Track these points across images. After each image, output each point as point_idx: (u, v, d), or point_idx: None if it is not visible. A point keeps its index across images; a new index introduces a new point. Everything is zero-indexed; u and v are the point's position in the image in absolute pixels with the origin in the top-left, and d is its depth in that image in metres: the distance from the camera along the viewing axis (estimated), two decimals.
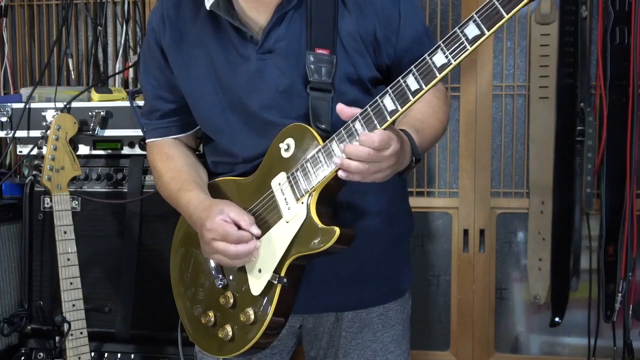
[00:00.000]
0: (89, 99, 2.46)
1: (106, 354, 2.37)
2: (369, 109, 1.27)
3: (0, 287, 2.40)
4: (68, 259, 2.07)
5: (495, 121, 2.70)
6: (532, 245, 2.66)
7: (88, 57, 2.97)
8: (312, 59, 1.41)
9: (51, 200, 2.09)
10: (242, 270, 1.46)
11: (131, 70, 2.87)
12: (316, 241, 1.34)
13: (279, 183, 1.41)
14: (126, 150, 2.38)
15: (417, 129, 1.38)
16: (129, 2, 2.88)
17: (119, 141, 2.38)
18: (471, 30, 1.17)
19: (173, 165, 1.59)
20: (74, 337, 2.06)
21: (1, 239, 2.41)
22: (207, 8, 1.44)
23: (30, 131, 2.40)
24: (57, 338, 2.10)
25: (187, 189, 1.52)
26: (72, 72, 2.98)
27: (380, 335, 1.59)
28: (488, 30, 1.16)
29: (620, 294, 2.54)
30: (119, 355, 2.37)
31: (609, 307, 2.57)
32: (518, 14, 2.66)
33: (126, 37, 2.89)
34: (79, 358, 2.07)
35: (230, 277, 1.49)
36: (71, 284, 2.06)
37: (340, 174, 1.27)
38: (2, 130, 2.42)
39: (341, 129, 1.30)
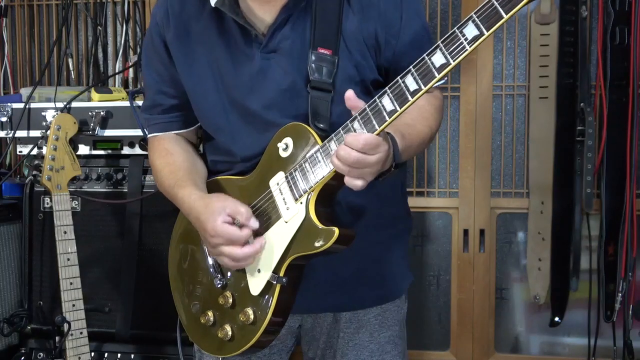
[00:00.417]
0: (89, 99, 2.46)
1: (106, 354, 2.37)
2: (368, 109, 1.26)
3: (0, 287, 2.40)
4: (68, 259, 2.07)
5: (495, 121, 2.70)
6: (532, 245, 2.66)
7: (88, 57, 2.97)
8: (313, 58, 1.41)
9: (51, 200, 2.09)
10: (241, 270, 1.45)
11: (131, 70, 2.87)
12: (315, 241, 1.34)
13: (277, 183, 1.41)
14: (126, 150, 2.38)
15: (404, 134, 1.37)
16: (129, 2, 2.88)
17: (119, 141, 2.38)
18: (470, 31, 1.17)
19: (172, 161, 1.58)
20: (74, 337, 2.06)
21: (1, 239, 2.41)
22: (212, 5, 1.44)
23: (30, 131, 2.40)
24: (57, 338, 2.10)
25: (182, 185, 1.52)
26: (72, 72, 2.98)
27: (377, 336, 1.59)
28: (487, 31, 1.16)
29: (620, 294, 2.54)
30: (119, 355, 2.37)
31: (609, 307, 2.57)
32: (518, 14, 2.65)
33: (126, 37, 2.90)
34: (79, 358, 2.08)
35: (229, 277, 1.49)
36: (71, 284, 2.06)
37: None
38: (2, 130, 2.42)
39: (340, 128, 1.30)
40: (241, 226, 1.39)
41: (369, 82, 1.47)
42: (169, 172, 1.57)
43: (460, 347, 2.74)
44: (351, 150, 1.23)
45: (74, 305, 2.06)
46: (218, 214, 1.40)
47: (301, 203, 1.36)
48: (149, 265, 2.33)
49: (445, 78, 1.25)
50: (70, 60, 2.97)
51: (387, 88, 1.25)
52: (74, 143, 2.29)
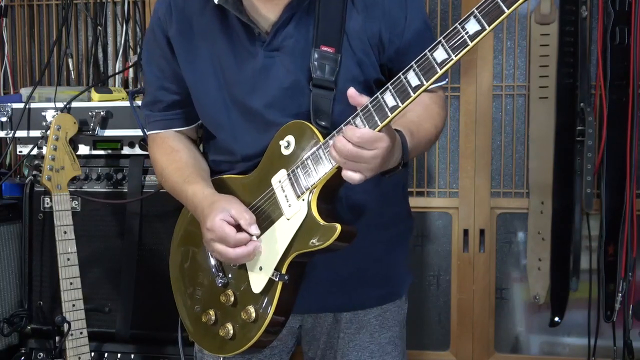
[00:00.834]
0: (89, 99, 2.46)
1: (106, 354, 2.37)
2: (370, 105, 1.26)
3: (0, 287, 2.40)
4: (68, 259, 2.07)
5: (495, 121, 2.70)
6: (531, 245, 2.66)
7: (88, 57, 2.97)
8: (316, 55, 1.41)
9: (51, 200, 2.09)
10: (243, 268, 1.45)
11: (131, 70, 2.87)
12: (317, 238, 1.34)
13: (279, 180, 1.41)
14: (126, 150, 2.38)
15: (412, 132, 1.37)
16: (129, 2, 2.88)
17: (119, 141, 2.38)
18: (472, 26, 1.17)
19: (178, 158, 1.58)
20: (74, 337, 2.06)
21: (1, 239, 2.41)
22: (215, 2, 1.43)
23: (30, 131, 2.40)
24: (57, 338, 2.10)
25: (192, 181, 1.51)
26: (72, 72, 2.98)
27: (378, 337, 1.59)
28: (489, 26, 1.16)
29: (620, 294, 2.54)
30: (119, 355, 2.37)
31: (609, 307, 2.57)
32: (518, 13, 2.67)
33: (126, 37, 2.90)
34: (79, 358, 2.07)
35: (231, 275, 1.48)
36: (71, 284, 2.06)
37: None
38: (2, 130, 2.42)
39: (342, 125, 1.30)
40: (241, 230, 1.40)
41: (372, 81, 1.46)
42: (176, 169, 1.56)
43: (460, 347, 2.74)
44: (347, 143, 1.23)
45: (74, 305, 2.06)
46: (220, 212, 1.40)
47: (303, 200, 1.36)
48: (149, 265, 2.33)
49: (447, 76, 1.24)
50: (70, 60, 2.97)
51: (389, 84, 1.25)
52: (74, 143, 2.28)
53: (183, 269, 1.61)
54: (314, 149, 1.35)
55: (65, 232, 2.07)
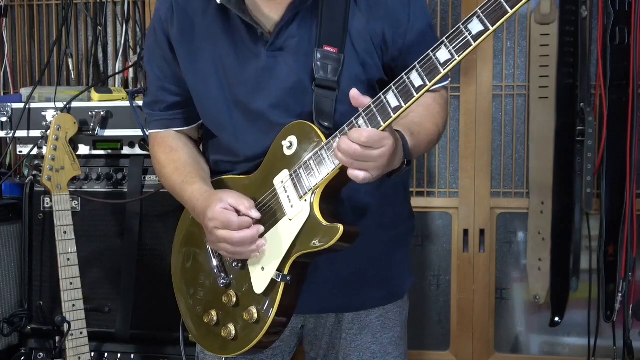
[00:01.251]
0: (89, 99, 2.45)
1: (106, 354, 2.37)
2: (372, 106, 1.26)
3: (0, 287, 2.40)
4: (68, 259, 2.06)
5: (495, 121, 2.70)
6: (532, 245, 2.66)
7: (88, 57, 2.97)
8: (319, 55, 1.41)
9: (51, 200, 2.09)
10: (245, 269, 1.45)
11: (131, 70, 2.87)
12: (320, 239, 1.34)
13: (282, 181, 1.40)
14: (126, 150, 2.38)
15: (412, 132, 1.37)
16: (129, 2, 2.88)
17: (119, 141, 2.38)
18: (475, 26, 1.17)
19: (177, 157, 1.58)
20: (74, 337, 2.06)
21: (1, 239, 2.41)
22: (218, 2, 1.43)
23: (30, 131, 2.40)
24: (57, 338, 2.10)
25: (191, 181, 1.52)
26: (72, 72, 2.98)
27: (380, 337, 1.59)
28: (492, 26, 1.16)
29: (620, 294, 2.54)
30: (119, 355, 2.37)
31: (609, 307, 2.57)
32: (518, 13, 2.66)
33: (126, 37, 2.89)
34: (79, 358, 2.07)
35: (233, 276, 1.48)
36: (71, 284, 2.06)
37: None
38: (2, 130, 2.42)
39: (344, 125, 1.30)
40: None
41: (375, 81, 1.46)
42: (175, 169, 1.56)
43: (460, 347, 2.74)
44: (352, 144, 1.23)
45: (74, 305, 2.06)
46: (219, 202, 1.40)
47: (305, 201, 1.36)
48: (149, 265, 2.33)
49: (450, 76, 1.24)
50: (70, 60, 2.97)
51: (391, 84, 1.25)
52: (74, 143, 2.28)
53: (185, 270, 1.61)
54: (317, 149, 1.35)
55: (65, 232, 2.07)
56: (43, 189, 2.34)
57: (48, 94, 2.42)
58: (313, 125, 1.38)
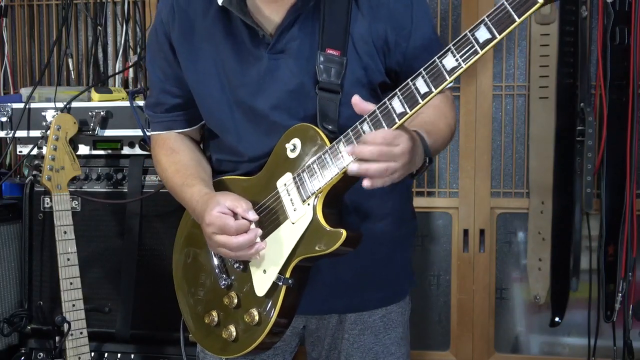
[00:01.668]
0: (89, 99, 2.46)
1: (106, 354, 2.37)
2: (377, 111, 1.26)
3: (0, 287, 2.40)
4: (68, 259, 2.07)
5: (495, 121, 2.70)
6: (532, 245, 2.66)
7: (88, 57, 2.97)
8: (322, 59, 1.40)
9: (51, 200, 2.09)
10: (247, 271, 1.45)
11: (131, 70, 2.87)
12: (322, 243, 1.33)
13: (285, 184, 1.40)
14: (126, 150, 2.38)
15: (428, 131, 1.37)
16: (129, 2, 2.88)
17: (119, 141, 2.38)
18: (482, 34, 1.16)
19: (178, 159, 1.58)
20: (74, 337, 2.06)
21: (1, 239, 2.41)
22: (219, 4, 1.43)
23: (30, 131, 2.40)
24: (57, 338, 2.10)
25: (191, 184, 1.51)
26: (72, 72, 2.98)
27: (382, 338, 1.59)
28: (499, 34, 1.15)
29: (620, 294, 2.54)
30: (119, 355, 2.37)
31: (609, 307, 2.57)
32: None
33: (126, 37, 2.89)
34: (79, 358, 2.07)
35: (234, 277, 1.48)
36: (71, 284, 2.06)
37: (365, 183, 1.24)
38: (2, 130, 2.42)
39: (349, 130, 1.29)
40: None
41: (377, 84, 1.46)
42: (175, 171, 1.56)
43: (460, 347, 2.74)
44: (372, 146, 1.22)
45: (74, 305, 2.06)
46: (216, 205, 1.39)
47: (309, 205, 1.36)
48: (149, 265, 2.33)
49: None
50: (70, 60, 2.97)
51: (397, 90, 1.25)
52: (74, 143, 2.28)
53: (186, 270, 1.60)
54: (320, 153, 1.35)
55: (65, 232, 2.07)
56: (43, 189, 2.34)
57: (48, 94, 2.42)
58: (317, 129, 1.38)
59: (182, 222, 1.64)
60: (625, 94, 2.50)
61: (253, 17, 1.44)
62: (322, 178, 1.33)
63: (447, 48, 1.20)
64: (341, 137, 1.31)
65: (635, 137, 2.49)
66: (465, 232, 2.71)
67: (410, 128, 1.33)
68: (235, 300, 1.46)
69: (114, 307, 2.33)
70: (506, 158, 2.72)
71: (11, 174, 2.69)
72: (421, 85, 1.22)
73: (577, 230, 2.60)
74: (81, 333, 2.07)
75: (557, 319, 2.65)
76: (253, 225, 1.40)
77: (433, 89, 1.21)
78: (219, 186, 1.54)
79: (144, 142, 2.34)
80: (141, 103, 2.29)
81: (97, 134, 2.34)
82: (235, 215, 1.39)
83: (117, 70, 2.90)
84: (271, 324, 1.40)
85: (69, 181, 2.12)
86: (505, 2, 1.15)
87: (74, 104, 2.38)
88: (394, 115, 1.24)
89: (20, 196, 2.45)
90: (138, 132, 2.32)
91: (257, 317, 1.42)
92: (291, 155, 1.40)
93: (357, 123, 1.28)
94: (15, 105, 2.42)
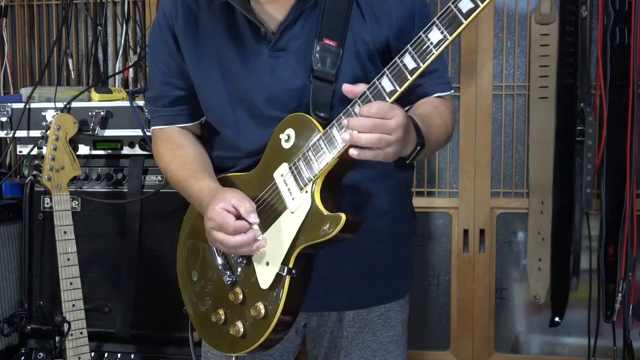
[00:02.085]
0: (89, 99, 2.46)
1: (106, 354, 2.37)
2: (368, 92, 1.27)
3: (0, 287, 2.40)
4: (68, 259, 2.07)
5: (495, 121, 2.71)
6: (532, 245, 2.67)
7: (88, 57, 2.97)
8: (318, 48, 1.41)
9: (51, 200, 2.09)
10: (250, 265, 1.45)
11: (131, 70, 2.87)
12: (323, 229, 1.33)
13: (282, 174, 1.40)
14: (126, 150, 2.38)
15: (422, 120, 1.37)
16: (129, 2, 2.88)
17: (119, 141, 2.38)
18: (465, 4, 1.18)
19: (184, 153, 1.57)
20: (74, 337, 2.06)
21: (1, 239, 2.41)
22: None
23: (30, 131, 2.40)
24: (57, 338, 2.10)
25: (199, 177, 1.51)
26: (72, 72, 2.98)
27: (380, 335, 1.59)
28: (482, 3, 1.17)
29: (620, 294, 2.54)
30: (119, 355, 2.37)
31: (609, 307, 2.57)
32: (518, 14, 2.67)
33: (126, 37, 2.90)
34: (79, 358, 2.07)
35: (238, 273, 1.48)
36: (71, 284, 2.06)
37: (352, 152, 1.25)
38: (2, 130, 2.42)
39: (341, 114, 1.30)
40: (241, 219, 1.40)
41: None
42: (182, 165, 1.56)
43: (460, 347, 2.74)
44: (367, 119, 1.22)
45: (74, 305, 2.06)
46: (221, 201, 1.40)
47: (306, 192, 1.36)
48: (149, 265, 2.33)
49: (455, 83, 1.24)
50: (70, 60, 2.97)
51: (385, 69, 1.26)
52: (74, 143, 2.29)
53: (190, 266, 1.60)
54: (315, 139, 1.35)
55: (65, 232, 2.07)
56: (43, 189, 2.34)
57: (48, 94, 2.43)
58: (310, 117, 1.38)
59: (185, 221, 1.64)
60: (625, 94, 2.50)
61: (256, 13, 1.44)
62: (318, 164, 1.34)
63: (431, 22, 1.21)
64: (334, 122, 1.32)
65: (635, 137, 2.49)
66: (465, 232, 2.71)
67: None
68: (241, 296, 1.46)
69: (114, 307, 2.33)
70: (506, 158, 2.72)
71: (11, 174, 2.69)
72: (409, 61, 1.23)
73: (577, 230, 2.60)
74: (81, 333, 2.07)
75: (557, 319, 2.65)
76: (255, 226, 1.40)
77: (421, 64, 1.22)
78: (224, 184, 1.54)
79: (144, 142, 2.34)
80: (141, 103, 2.29)
81: (97, 134, 2.34)
82: (239, 215, 1.39)
83: (117, 70, 2.90)
84: (277, 316, 1.39)
85: (69, 181, 2.12)
86: None
87: (74, 104, 2.38)
88: (384, 94, 1.25)
89: (20, 196, 2.45)
90: (138, 132, 2.32)
91: (263, 311, 1.41)
92: (286, 145, 1.41)
93: (349, 106, 1.29)
94: (15, 105, 2.42)
